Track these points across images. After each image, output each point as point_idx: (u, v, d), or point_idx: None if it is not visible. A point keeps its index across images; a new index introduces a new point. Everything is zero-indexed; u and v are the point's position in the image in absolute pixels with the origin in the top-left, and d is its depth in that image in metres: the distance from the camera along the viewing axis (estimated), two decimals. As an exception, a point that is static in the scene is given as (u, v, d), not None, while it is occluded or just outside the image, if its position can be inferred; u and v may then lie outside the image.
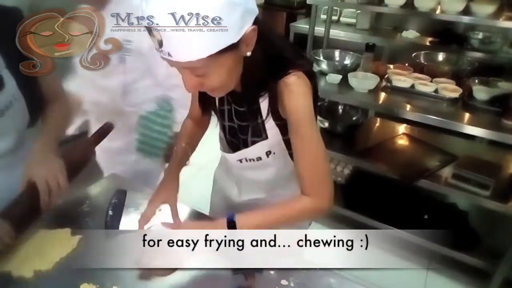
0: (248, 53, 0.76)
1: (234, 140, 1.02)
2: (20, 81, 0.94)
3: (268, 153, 0.96)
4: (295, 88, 0.82)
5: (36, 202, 0.90)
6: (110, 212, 1.00)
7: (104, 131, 1.21)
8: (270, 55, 0.82)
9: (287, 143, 0.93)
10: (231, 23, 0.67)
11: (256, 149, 0.96)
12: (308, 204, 0.88)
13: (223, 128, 1.03)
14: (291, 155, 0.97)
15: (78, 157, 1.08)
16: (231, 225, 0.86)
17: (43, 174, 0.91)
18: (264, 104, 0.89)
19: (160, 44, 0.68)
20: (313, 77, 0.88)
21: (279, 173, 1.03)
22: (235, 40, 0.70)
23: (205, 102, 1.01)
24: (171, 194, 1.02)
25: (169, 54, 0.69)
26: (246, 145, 0.98)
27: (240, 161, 1.01)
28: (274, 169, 1.02)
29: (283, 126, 0.91)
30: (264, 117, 0.90)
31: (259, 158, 0.98)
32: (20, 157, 0.97)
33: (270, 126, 0.92)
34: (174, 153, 1.10)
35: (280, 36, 0.92)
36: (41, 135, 1.01)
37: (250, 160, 0.99)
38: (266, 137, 0.93)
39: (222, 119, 1.01)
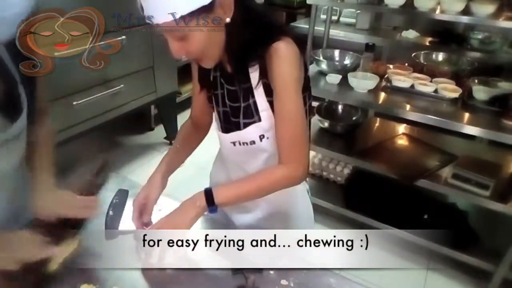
0: (228, 19, 0.78)
1: (228, 126, 1.02)
2: (30, 95, 0.91)
3: (261, 137, 0.96)
4: (283, 53, 0.83)
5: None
6: (111, 212, 1.00)
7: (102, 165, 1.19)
8: (254, 22, 0.83)
9: None
10: None
11: (250, 131, 0.96)
12: (284, 173, 0.91)
13: (217, 113, 1.04)
14: None
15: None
16: (209, 195, 0.88)
17: (67, 210, 0.90)
18: (254, 75, 0.89)
19: (142, 9, 0.75)
20: (301, 45, 0.88)
21: (272, 160, 1.01)
22: (206, 2, 0.72)
23: (203, 81, 1.03)
24: (152, 193, 1.01)
25: (151, 17, 0.75)
26: (239, 128, 0.98)
27: (234, 143, 1.00)
28: (267, 155, 1.00)
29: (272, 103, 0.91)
30: (254, 86, 0.90)
31: (253, 142, 0.97)
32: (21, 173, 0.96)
33: (263, 106, 0.92)
34: (168, 153, 1.10)
35: (262, 5, 0.93)
36: (40, 172, 0.97)
37: (243, 143, 0.99)
38: (259, 119, 0.93)
39: (217, 105, 1.02)
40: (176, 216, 0.90)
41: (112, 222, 0.98)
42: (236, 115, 0.97)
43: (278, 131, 0.90)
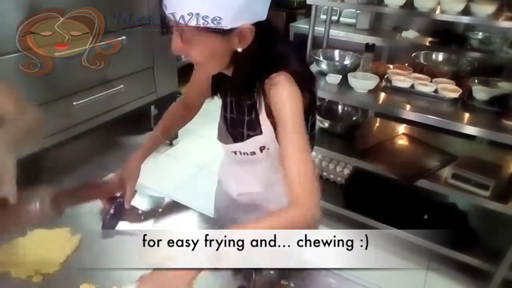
0: (239, 49, 0.79)
1: (234, 132, 1.03)
2: None
3: (262, 148, 0.98)
4: (280, 83, 0.83)
5: None
6: (111, 211, 1.00)
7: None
8: (262, 56, 0.83)
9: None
10: (227, 8, 0.70)
11: (250, 144, 0.98)
12: (295, 215, 0.82)
13: (224, 119, 1.05)
14: None
15: None
16: None
17: None
18: (258, 95, 0.91)
19: (166, 6, 0.74)
20: (304, 79, 0.87)
21: (274, 169, 1.03)
22: (225, 27, 0.72)
23: (215, 86, 1.03)
24: (129, 177, 1.02)
25: (165, 7, 0.74)
26: (242, 139, 1.00)
27: (235, 153, 1.03)
28: (267, 165, 1.03)
29: (274, 124, 0.91)
30: (258, 112, 0.92)
31: (253, 153, 0.99)
32: None
33: (264, 121, 0.93)
34: (147, 138, 1.14)
35: (282, 39, 0.92)
36: None
37: (244, 153, 1.01)
38: (261, 132, 0.95)
39: (225, 110, 1.04)
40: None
41: (110, 222, 0.98)
42: (241, 125, 0.99)
43: (286, 170, 0.83)
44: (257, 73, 0.85)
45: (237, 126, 1.01)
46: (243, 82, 0.88)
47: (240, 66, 0.84)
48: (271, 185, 1.09)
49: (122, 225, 1.00)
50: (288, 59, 0.87)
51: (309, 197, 0.82)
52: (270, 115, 0.90)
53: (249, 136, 0.98)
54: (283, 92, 0.83)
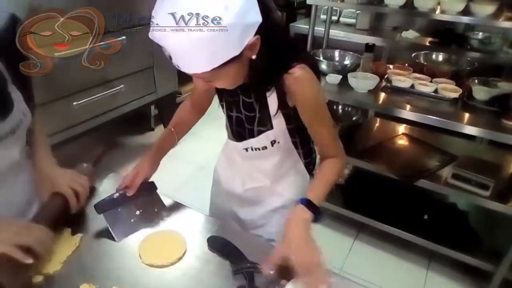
0: (253, 56, 0.80)
1: (240, 130, 1.05)
2: (26, 95, 0.92)
3: (273, 142, 1.02)
4: (302, 78, 0.88)
5: (65, 208, 0.94)
6: (115, 196, 1.01)
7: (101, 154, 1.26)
8: (274, 53, 0.86)
9: (291, 132, 1.01)
10: (231, 41, 0.72)
11: (262, 139, 1.01)
12: (341, 164, 1.04)
13: (229, 118, 1.07)
14: (294, 143, 1.05)
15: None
16: (311, 206, 0.90)
17: (66, 183, 0.95)
18: (272, 97, 0.94)
19: (170, 58, 0.77)
20: (315, 68, 0.94)
21: (283, 161, 1.08)
22: (237, 53, 0.74)
23: (218, 91, 1.06)
24: (144, 171, 1.07)
25: (178, 66, 0.77)
26: (252, 135, 1.02)
27: (246, 149, 1.06)
28: (278, 157, 1.07)
29: (288, 115, 0.96)
30: (270, 108, 0.95)
31: (265, 147, 1.03)
32: (26, 164, 0.98)
33: (277, 116, 0.96)
34: (161, 134, 1.17)
35: (283, 31, 0.97)
36: (42, 151, 1.02)
37: (255, 149, 1.04)
38: (272, 127, 0.98)
39: (230, 110, 1.05)
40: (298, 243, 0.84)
41: (105, 203, 1.00)
42: (251, 123, 1.01)
43: (325, 142, 1.02)
44: (274, 71, 0.87)
45: (246, 124, 1.02)
46: (262, 79, 0.90)
47: (257, 69, 0.85)
48: (279, 177, 1.12)
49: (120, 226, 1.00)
50: (299, 50, 0.94)
51: (343, 151, 1.05)
52: (285, 107, 0.94)
53: (260, 132, 1.00)
54: (309, 89, 0.90)
